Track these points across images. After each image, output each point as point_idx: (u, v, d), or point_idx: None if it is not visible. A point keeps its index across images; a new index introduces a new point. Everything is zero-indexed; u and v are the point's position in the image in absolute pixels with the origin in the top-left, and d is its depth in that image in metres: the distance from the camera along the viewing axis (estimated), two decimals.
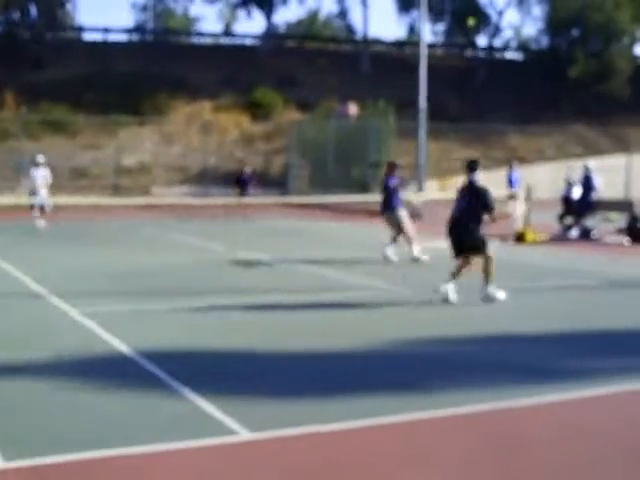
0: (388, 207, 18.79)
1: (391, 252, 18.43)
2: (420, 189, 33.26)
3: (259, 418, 7.11)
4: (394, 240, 18.67)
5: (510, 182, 29.25)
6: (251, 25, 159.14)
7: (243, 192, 28.54)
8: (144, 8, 76.17)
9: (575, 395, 7.97)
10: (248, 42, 63.80)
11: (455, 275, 13.37)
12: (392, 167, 19.55)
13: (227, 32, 71.67)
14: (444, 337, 10.69)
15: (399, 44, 66.91)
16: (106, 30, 60.55)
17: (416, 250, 18.44)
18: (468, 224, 13.36)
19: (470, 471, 6.06)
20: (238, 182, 29.24)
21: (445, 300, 13.04)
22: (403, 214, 18.72)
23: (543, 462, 6.24)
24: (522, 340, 10.67)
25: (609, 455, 6.46)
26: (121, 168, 43.05)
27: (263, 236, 23.94)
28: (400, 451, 6.44)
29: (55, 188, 27.84)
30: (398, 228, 18.58)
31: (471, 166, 13.91)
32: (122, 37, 67.72)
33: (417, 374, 8.77)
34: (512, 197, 25.95)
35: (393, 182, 18.96)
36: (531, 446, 6.56)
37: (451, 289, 13.17)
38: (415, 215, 19.02)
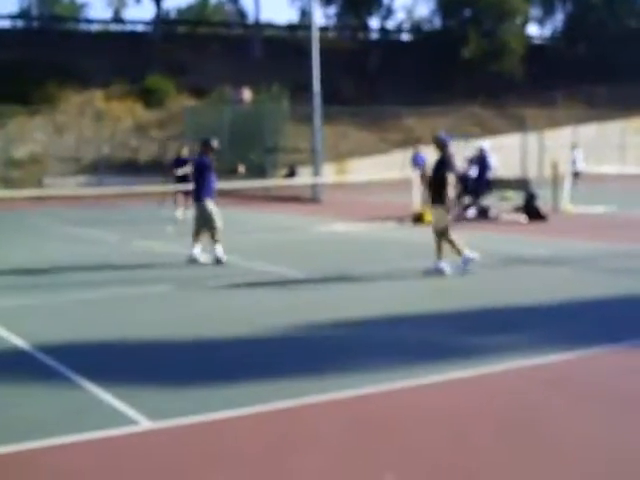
0: (198, 197, 16.03)
1: (198, 253, 15.91)
2: (317, 173, 33.23)
3: (158, 407, 7.02)
4: (197, 238, 15.96)
5: (416, 164, 29.33)
6: (141, 11, 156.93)
7: (181, 177, 25.02)
8: None
9: (462, 374, 7.99)
10: (139, 29, 62.92)
11: None
12: (207, 147, 16.46)
13: (116, 19, 70.65)
14: (342, 319, 10.65)
15: (291, 28, 66.68)
16: None
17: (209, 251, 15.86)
18: None
19: (357, 452, 6.05)
20: (176, 166, 25.75)
21: None
22: (213, 207, 15.89)
23: (426, 441, 6.27)
24: (418, 319, 10.69)
25: (490, 430, 6.52)
26: (11, 160, 42.01)
27: (161, 224, 23.57)
28: (292, 434, 6.44)
29: None
30: (205, 223, 15.90)
31: None
32: (5, 23, 66.04)
33: (314, 358, 8.74)
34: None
35: (206, 165, 16.23)
36: (416, 426, 6.61)
37: None
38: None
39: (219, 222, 15.76)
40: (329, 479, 5.60)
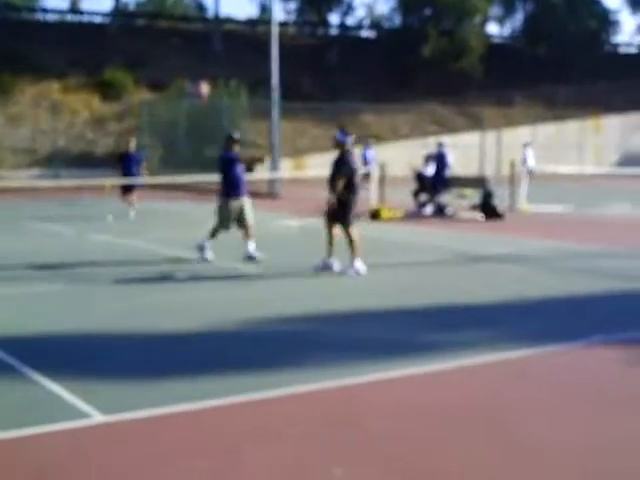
0: (225, 193, 15.30)
1: (253, 249, 15.14)
2: (274, 168, 33.12)
3: (111, 401, 6.94)
4: (247, 235, 15.28)
5: (364, 160, 29.34)
6: (99, 3, 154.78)
7: (127, 172, 23.69)
8: None
9: (421, 370, 8.00)
10: (96, 20, 62.40)
11: None
12: (232, 141, 15.61)
13: (74, 9, 69.79)
14: (298, 315, 10.62)
15: (251, 23, 66.49)
16: None
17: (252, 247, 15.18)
18: None
19: (311, 446, 6.04)
20: (123, 159, 24.30)
21: None
22: (241, 206, 15.26)
23: (380, 437, 6.25)
24: (376, 316, 10.69)
25: (453, 426, 6.50)
26: None
27: (116, 218, 23.33)
28: (248, 428, 6.38)
29: None
30: (241, 219, 15.26)
31: None
32: None
33: (269, 352, 8.68)
34: (367, 175, 25.94)
35: (233, 160, 15.43)
36: (370, 422, 6.59)
37: None
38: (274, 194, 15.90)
39: (251, 220, 15.23)
40: (288, 472, 5.55)
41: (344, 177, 13.69)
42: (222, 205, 15.30)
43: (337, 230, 13.84)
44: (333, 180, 13.80)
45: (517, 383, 7.66)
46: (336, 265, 13.84)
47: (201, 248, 15.23)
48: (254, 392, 7.19)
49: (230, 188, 15.23)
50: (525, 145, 36.63)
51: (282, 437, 6.21)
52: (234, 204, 15.18)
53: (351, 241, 13.76)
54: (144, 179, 24.46)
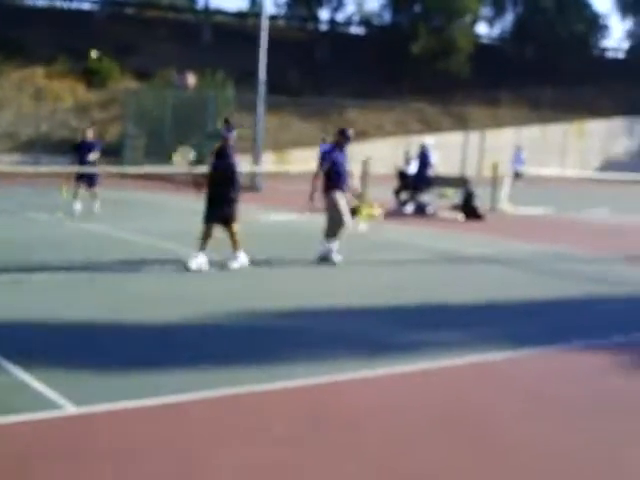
0: (326, 189, 14.79)
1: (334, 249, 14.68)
2: (256, 162, 33.05)
3: (84, 392, 6.88)
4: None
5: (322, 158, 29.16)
6: None
7: (83, 160, 22.46)
8: None
9: (403, 369, 8.00)
10: (85, 7, 62.11)
11: None
12: (341, 136, 15.13)
13: None
14: (278, 310, 10.59)
15: (241, 15, 66.39)
16: None
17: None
18: None
19: (297, 445, 6.00)
20: (79, 148, 22.98)
21: None
22: (341, 201, 14.76)
23: (367, 435, 6.25)
24: (355, 313, 10.67)
25: (430, 428, 6.48)
26: None
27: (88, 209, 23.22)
28: (231, 424, 6.34)
29: None
30: (330, 217, 14.79)
31: None
32: None
33: (250, 347, 8.65)
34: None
35: (340, 158, 14.89)
36: (356, 420, 6.58)
37: None
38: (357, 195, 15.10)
39: (347, 218, 14.72)
40: (259, 472, 5.51)
41: (221, 172, 13.76)
42: (331, 202, 14.73)
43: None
44: (213, 169, 13.90)
45: (494, 386, 7.67)
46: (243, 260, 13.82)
47: (327, 257, 14.54)
48: (235, 387, 7.17)
49: (334, 183, 14.71)
50: (518, 148, 36.79)
51: (261, 435, 6.16)
52: (341, 198, 14.72)
53: (234, 234, 13.71)
54: (98, 168, 23.33)
